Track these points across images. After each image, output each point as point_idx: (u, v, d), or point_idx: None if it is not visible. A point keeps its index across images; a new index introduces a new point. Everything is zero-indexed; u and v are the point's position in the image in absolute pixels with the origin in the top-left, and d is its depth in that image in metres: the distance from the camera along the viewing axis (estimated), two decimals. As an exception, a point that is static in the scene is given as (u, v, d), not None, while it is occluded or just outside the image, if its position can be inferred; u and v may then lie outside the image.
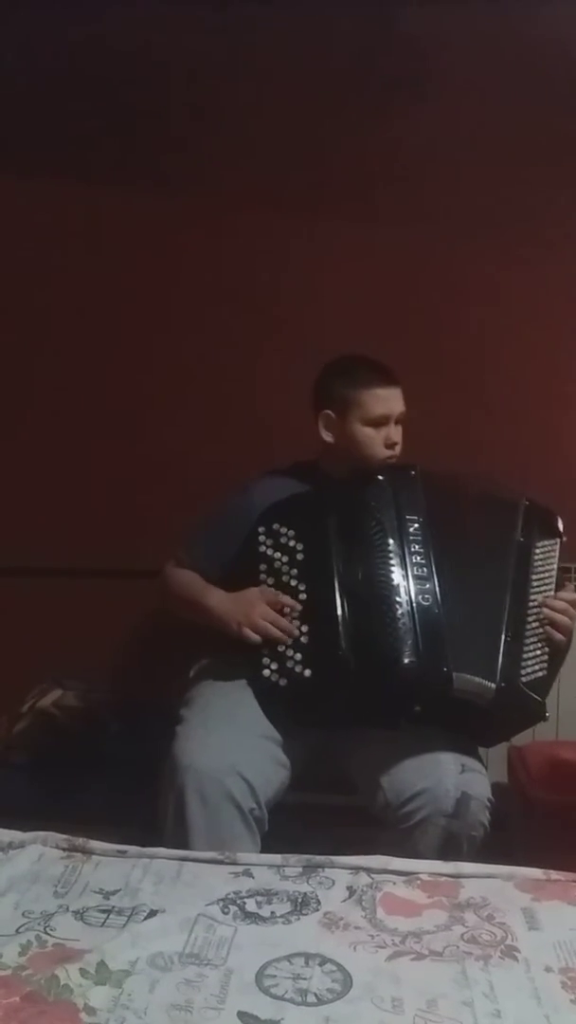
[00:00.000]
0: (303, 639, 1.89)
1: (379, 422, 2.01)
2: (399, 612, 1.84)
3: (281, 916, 1.33)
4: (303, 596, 1.92)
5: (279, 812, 1.82)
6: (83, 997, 1.12)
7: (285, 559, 1.96)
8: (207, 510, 2.12)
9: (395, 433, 2.03)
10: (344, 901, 1.37)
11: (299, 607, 1.91)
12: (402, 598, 1.86)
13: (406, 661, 1.80)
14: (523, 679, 1.86)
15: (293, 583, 1.94)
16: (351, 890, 1.40)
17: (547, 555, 2.00)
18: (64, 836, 1.53)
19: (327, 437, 2.06)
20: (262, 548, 1.97)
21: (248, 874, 1.45)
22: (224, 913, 1.32)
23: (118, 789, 2.18)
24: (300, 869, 1.46)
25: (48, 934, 1.26)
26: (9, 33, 2.54)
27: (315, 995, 1.14)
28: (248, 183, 2.58)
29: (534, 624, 1.92)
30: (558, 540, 2.02)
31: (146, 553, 2.23)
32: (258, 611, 1.90)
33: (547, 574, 1.98)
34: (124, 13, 2.50)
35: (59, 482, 2.65)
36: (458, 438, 2.49)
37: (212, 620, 1.96)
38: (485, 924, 1.31)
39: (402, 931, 1.29)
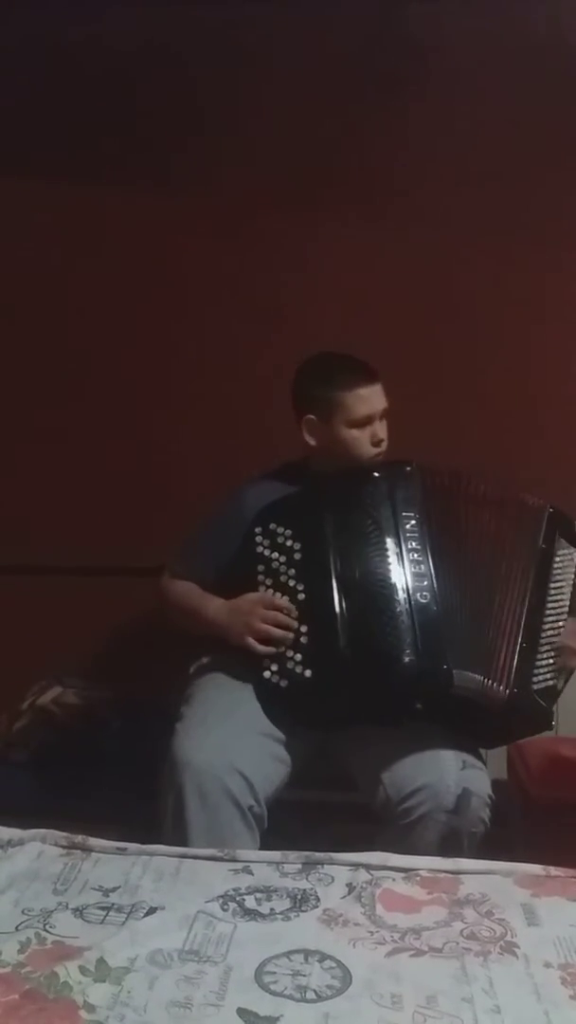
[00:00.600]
0: (303, 639, 1.88)
1: (364, 422, 2.00)
2: (398, 610, 1.83)
3: (280, 913, 1.33)
4: (302, 596, 1.91)
5: (279, 809, 1.82)
6: (83, 994, 1.12)
7: (283, 559, 1.95)
8: (201, 519, 2.11)
9: (380, 430, 2.02)
10: (343, 898, 1.37)
11: (295, 610, 1.90)
12: (400, 596, 1.85)
13: (406, 659, 1.80)
14: (535, 687, 1.85)
15: (292, 583, 1.93)
16: (350, 887, 1.40)
17: (566, 564, 1.99)
18: (63, 834, 1.53)
19: (312, 441, 2.04)
20: (259, 549, 1.97)
21: (247, 871, 1.45)
22: (223, 910, 1.32)
23: (118, 787, 2.17)
24: (299, 866, 1.46)
25: (48, 931, 1.26)
26: (9, 33, 2.54)
27: (314, 992, 1.14)
28: (249, 183, 2.58)
29: (549, 632, 1.90)
30: None
31: (147, 551, 2.24)
32: (257, 616, 1.90)
33: (565, 582, 1.97)
34: (125, 12, 2.50)
35: (60, 480, 2.65)
36: (458, 437, 2.48)
37: (212, 630, 1.97)
38: (484, 920, 1.31)
39: (401, 927, 1.29)
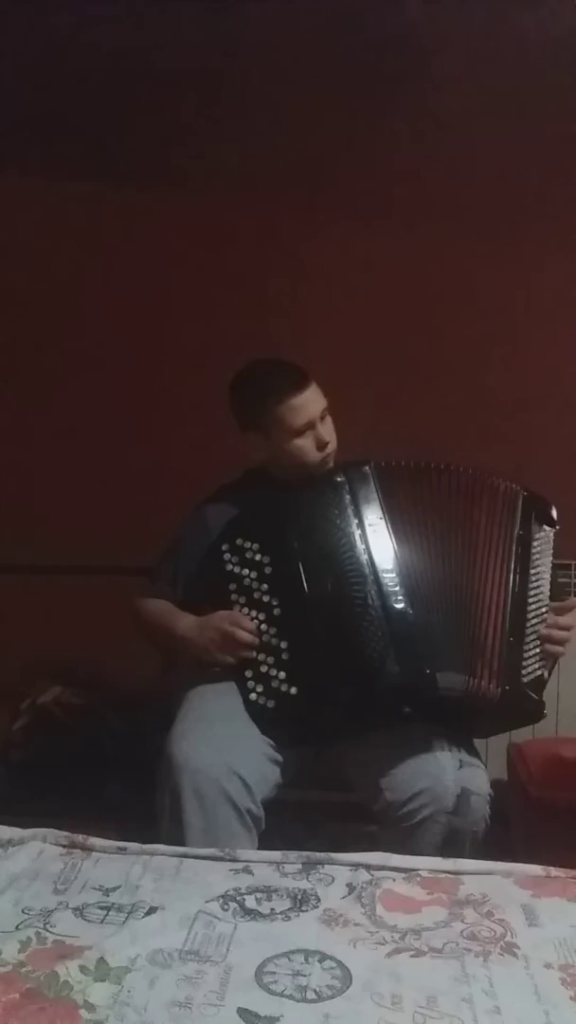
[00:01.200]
0: (283, 656, 1.86)
1: (303, 430, 1.95)
2: (372, 618, 1.80)
3: (281, 913, 1.33)
4: (277, 611, 1.88)
5: (278, 809, 1.82)
6: (83, 994, 1.12)
7: (254, 575, 1.91)
8: (167, 542, 2.08)
9: (325, 432, 1.97)
10: (344, 898, 1.37)
11: (260, 626, 1.87)
12: (374, 603, 1.81)
13: (387, 668, 1.77)
14: (524, 679, 1.84)
15: (265, 599, 1.89)
16: (351, 887, 1.40)
17: (543, 547, 1.95)
18: (64, 833, 1.53)
19: (259, 455, 2.01)
20: (229, 567, 1.93)
21: (248, 871, 1.44)
22: (224, 910, 1.32)
23: (118, 786, 2.18)
24: (300, 866, 1.46)
25: (48, 931, 1.26)
26: (9, 33, 2.53)
27: (315, 992, 1.14)
28: (250, 182, 2.59)
29: (534, 622, 1.88)
30: (553, 530, 1.97)
31: (147, 551, 2.23)
32: (223, 633, 1.87)
33: (544, 567, 1.94)
34: (124, 12, 2.50)
35: (61, 480, 2.65)
36: (458, 437, 2.48)
37: (181, 646, 1.95)
38: (485, 920, 1.31)
39: (402, 928, 1.29)
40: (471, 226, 2.55)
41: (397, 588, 1.83)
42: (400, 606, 1.81)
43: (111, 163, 2.62)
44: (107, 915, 1.31)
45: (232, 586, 1.92)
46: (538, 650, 1.87)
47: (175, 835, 1.71)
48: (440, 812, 1.73)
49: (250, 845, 1.72)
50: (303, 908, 1.34)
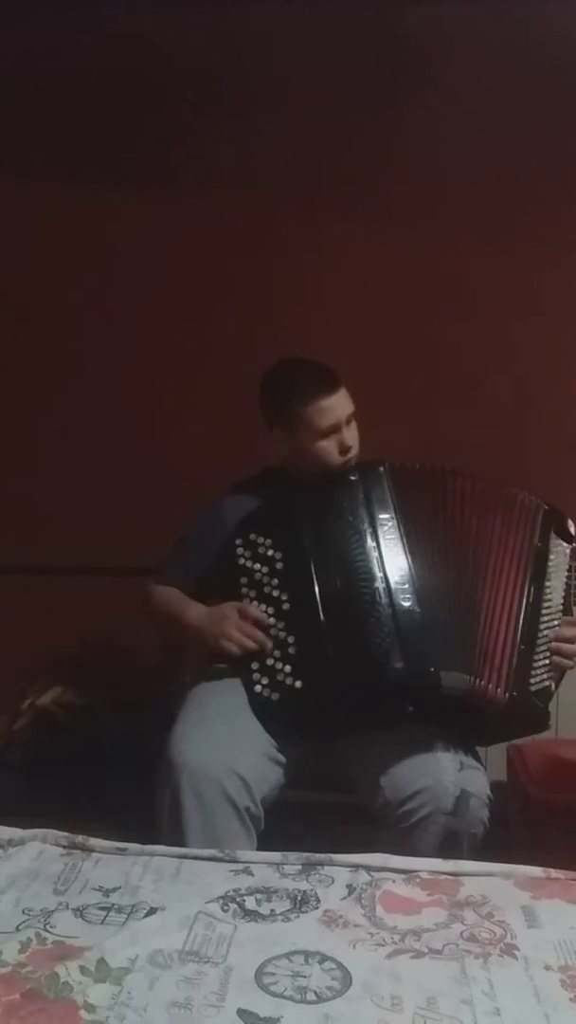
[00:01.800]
0: (290, 650, 1.87)
1: (329, 432, 1.97)
2: (380, 615, 1.81)
3: (280, 914, 1.33)
4: (286, 606, 1.90)
5: (278, 810, 1.82)
6: (83, 994, 1.12)
7: (265, 569, 1.94)
8: (181, 529, 2.10)
9: (348, 436, 1.99)
10: (344, 899, 1.37)
11: (268, 619, 1.89)
12: (382, 600, 1.83)
13: (392, 665, 1.78)
14: (531, 688, 1.85)
15: (275, 593, 1.92)
16: (351, 888, 1.40)
17: (559, 561, 1.97)
18: (64, 834, 1.53)
19: (282, 451, 2.03)
20: (241, 560, 1.95)
21: (247, 872, 1.44)
22: (224, 911, 1.32)
23: (118, 787, 2.17)
24: (299, 867, 1.46)
25: (48, 931, 1.26)
26: (9, 33, 2.54)
27: (315, 993, 1.14)
28: (249, 183, 2.58)
29: (545, 633, 1.89)
30: (570, 545, 1.99)
31: (147, 551, 2.23)
32: (231, 623, 1.89)
33: (558, 580, 1.95)
34: (125, 13, 2.50)
35: (61, 481, 2.65)
36: (457, 437, 2.48)
37: (190, 635, 1.96)
38: (485, 922, 1.31)
39: (401, 929, 1.29)
40: (471, 226, 2.55)
41: (406, 587, 1.84)
42: (407, 604, 1.82)
43: (111, 163, 2.62)
44: (107, 916, 1.31)
45: (243, 579, 1.95)
46: (547, 661, 1.88)
47: (175, 834, 1.71)
48: (439, 813, 1.73)
49: (249, 845, 1.73)
50: (303, 909, 1.34)
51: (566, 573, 1.98)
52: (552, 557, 1.95)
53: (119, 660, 2.64)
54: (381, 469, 1.97)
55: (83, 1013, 1.09)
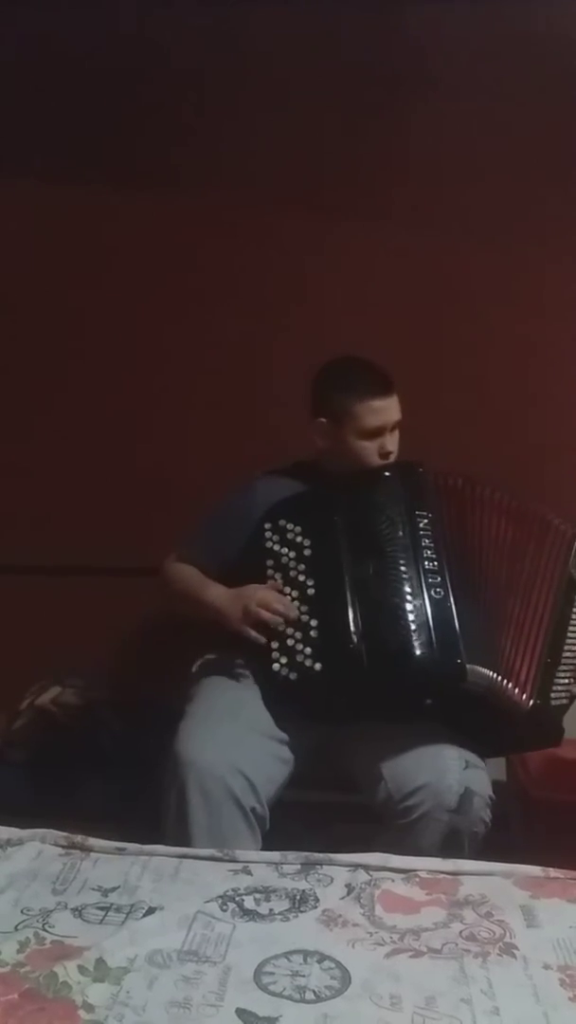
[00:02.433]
0: (312, 633, 1.89)
1: (374, 434, 2.01)
2: (411, 605, 1.84)
3: (279, 913, 1.33)
4: (311, 591, 1.92)
5: (278, 809, 1.82)
6: (82, 994, 1.12)
7: (292, 555, 1.96)
8: (210, 507, 2.11)
9: (390, 442, 2.03)
10: (343, 898, 1.37)
11: (292, 603, 1.90)
12: (414, 591, 1.85)
13: (418, 652, 1.80)
14: (552, 702, 1.86)
15: (301, 578, 1.94)
16: (350, 887, 1.40)
17: None
18: (63, 833, 1.53)
19: (321, 443, 2.06)
20: (268, 544, 1.98)
21: (246, 871, 1.45)
22: (223, 910, 1.32)
23: (117, 786, 2.18)
24: (298, 866, 1.46)
25: (47, 931, 1.26)
26: (9, 33, 2.54)
27: (313, 992, 1.14)
28: (251, 184, 2.58)
29: (569, 655, 1.91)
30: None
31: (147, 551, 2.23)
32: (256, 601, 1.90)
33: None
34: (125, 12, 2.50)
35: (60, 480, 2.64)
36: (458, 437, 2.48)
37: (211, 615, 1.97)
38: (484, 921, 1.31)
39: (401, 928, 1.29)
40: (472, 226, 2.55)
41: (439, 580, 1.87)
42: (439, 596, 1.85)
43: (111, 163, 2.61)
44: (106, 915, 1.31)
45: (269, 562, 1.97)
46: (567, 680, 1.90)
47: (179, 833, 1.72)
48: (440, 809, 1.73)
49: (254, 844, 1.73)
50: (302, 909, 1.34)
51: None
52: None
53: (118, 660, 2.64)
54: (421, 469, 2.02)
55: (82, 1013, 1.09)
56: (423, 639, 1.81)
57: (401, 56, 2.51)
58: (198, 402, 2.64)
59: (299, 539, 1.97)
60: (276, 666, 1.89)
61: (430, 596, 1.85)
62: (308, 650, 1.88)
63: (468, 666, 1.79)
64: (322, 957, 1.22)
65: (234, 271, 2.62)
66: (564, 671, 1.90)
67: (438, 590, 1.86)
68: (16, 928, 1.27)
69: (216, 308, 2.63)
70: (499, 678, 1.81)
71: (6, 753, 2.39)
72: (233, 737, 1.81)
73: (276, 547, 1.98)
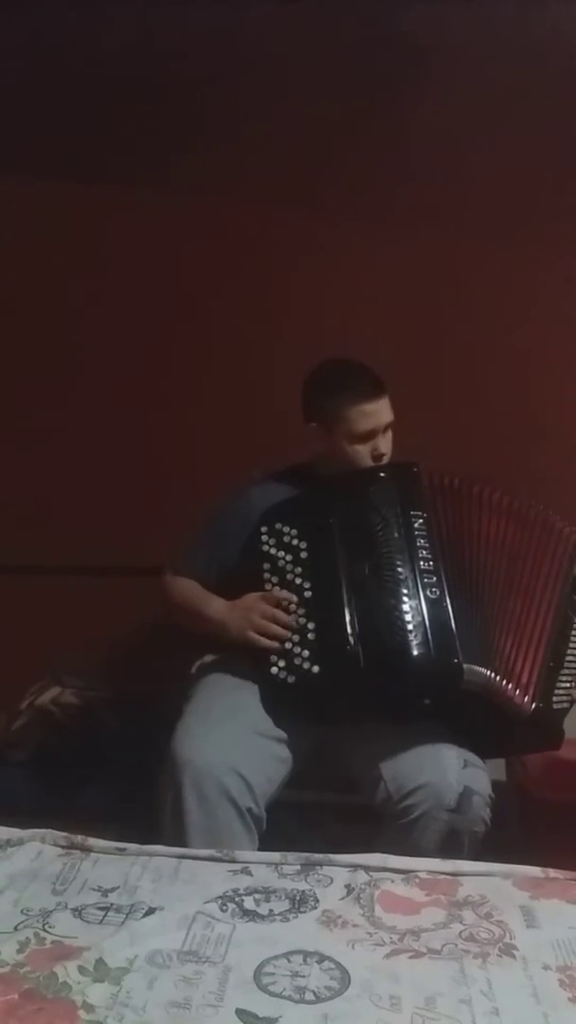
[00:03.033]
0: (310, 635, 1.89)
1: (366, 437, 2.00)
2: (407, 606, 1.84)
3: (279, 914, 1.33)
4: (308, 594, 1.92)
5: (277, 810, 1.82)
6: (81, 994, 1.12)
7: (289, 557, 1.96)
8: (205, 515, 2.11)
9: (383, 444, 2.02)
10: (342, 899, 1.37)
11: (295, 599, 1.91)
12: (410, 591, 1.85)
13: (415, 653, 1.79)
14: (554, 705, 1.87)
15: (298, 581, 1.94)
16: (349, 888, 1.40)
17: None
18: (63, 834, 1.53)
19: (315, 447, 2.06)
20: (265, 547, 1.98)
21: (246, 872, 1.45)
22: (222, 911, 1.32)
23: (117, 787, 2.18)
24: (298, 867, 1.46)
25: (47, 931, 1.26)
26: (9, 32, 2.53)
27: (313, 993, 1.14)
28: (250, 183, 2.58)
29: (570, 659, 1.92)
30: None
31: (146, 551, 2.23)
32: (258, 611, 1.90)
33: None
34: (124, 12, 2.50)
35: (60, 479, 2.65)
36: (457, 438, 2.48)
37: (214, 629, 1.97)
38: (483, 922, 1.31)
39: (400, 929, 1.29)
40: (471, 227, 2.55)
41: (434, 580, 1.87)
42: (435, 596, 1.85)
43: (111, 163, 2.61)
44: (106, 916, 1.31)
45: (266, 566, 1.97)
46: (569, 684, 1.91)
47: (176, 833, 1.72)
48: (440, 809, 1.73)
49: (250, 845, 1.73)
50: (302, 909, 1.34)
51: None
52: None
53: (118, 659, 2.65)
54: (416, 469, 2.01)
55: (82, 1013, 1.09)
56: (419, 639, 1.81)
57: (401, 56, 2.50)
58: (198, 401, 2.64)
59: (295, 542, 1.97)
60: (274, 669, 1.89)
61: (426, 596, 1.85)
62: (306, 653, 1.88)
63: (465, 665, 1.79)
64: (322, 958, 1.22)
65: (234, 271, 2.62)
66: (566, 675, 1.90)
67: (434, 590, 1.85)
68: (16, 928, 1.27)
69: (216, 308, 2.63)
70: (498, 678, 1.81)
71: (6, 753, 2.39)
72: (230, 737, 1.81)
73: (273, 551, 1.97)
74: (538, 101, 2.50)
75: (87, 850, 1.50)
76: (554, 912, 1.34)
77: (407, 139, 2.54)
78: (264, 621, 1.89)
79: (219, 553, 2.05)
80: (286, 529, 1.98)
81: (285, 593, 1.92)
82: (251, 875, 1.44)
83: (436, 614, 1.83)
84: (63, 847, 1.51)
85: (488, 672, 1.81)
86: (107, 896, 1.36)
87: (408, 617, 1.83)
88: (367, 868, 1.45)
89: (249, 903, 1.35)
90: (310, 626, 1.89)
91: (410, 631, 1.81)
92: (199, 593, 2.04)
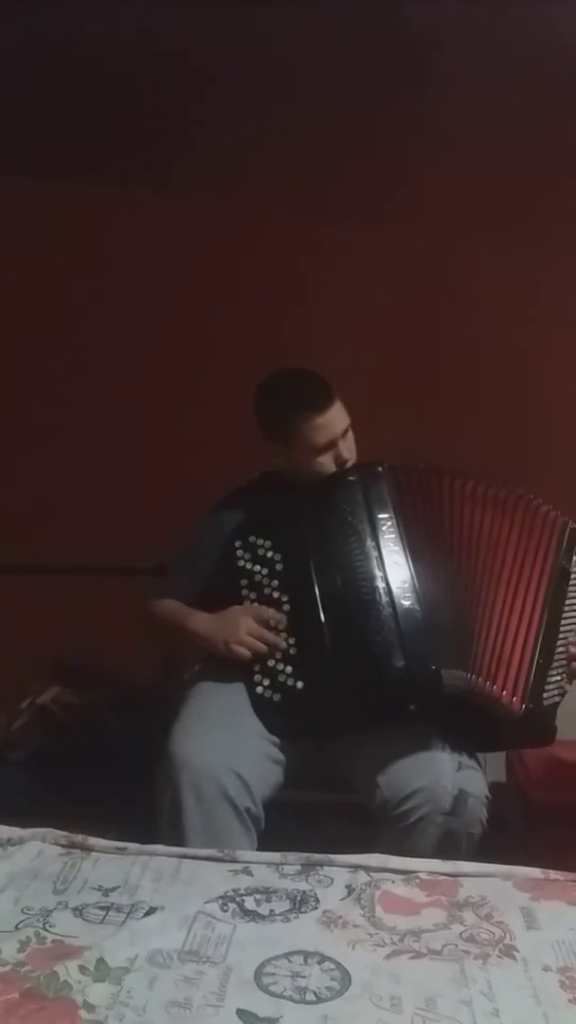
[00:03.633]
0: (291, 651, 1.88)
1: (326, 448, 1.97)
2: (381, 614, 1.82)
3: (280, 914, 1.33)
4: (287, 607, 1.91)
5: (277, 810, 1.82)
6: (82, 994, 1.12)
7: (265, 571, 1.94)
8: (182, 541, 2.09)
9: (345, 449, 1.99)
10: (343, 899, 1.37)
11: (284, 619, 1.90)
12: (383, 599, 1.83)
13: (393, 663, 1.79)
14: (545, 702, 1.85)
15: (276, 595, 1.92)
16: (350, 888, 1.40)
17: None
18: (63, 833, 1.53)
19: (278, 463, 2.03)
20: (240, 563, 1.96)
21: (247, 872, 1.45)
22: (223, 911, 1.32)
23: (117, 786, 2.18)
24: (299, 867, 1.46)
25: (47, 931, 1.26)
26: (8, 32, 2.53)
27: (314, 993, 1.14)
28: (250, 183, 2.58)
29: (561, 652, 1.90)
30: None
31: (147, 550, 2.23)
32: (243, 627, 1.89)
33: None
34: (124, 12, 2.50)
35: (60, 480, 2.65)
36: (459, 437, 2.48)
37: (198, 642, 1.96)
38: (484, 923, 1.31)
39: (401, 930, 1.29)
40: (471, 227, 2.55)
41: (406, 586, 1.85)
42: (408, 604, 1.83)
43: (111, 163, 2.61)
44: (106, 915, 1.31)
45: (243, 582, 1.95)
46: (559, 678, 1.89)
47: (174, 834, 1.71)
48: (436, 812, 1.73)
49: (249, 845, 1.73)
50: (302, 909, 1.34)
51: None
52: (574, 577, 1.95)
53: (118, 659, 2.64)
54: (380, 469, 1.98)
55: (82, 1012, 1.09)
56: (396, 650, 1.79)
57: (401, 55, 2.50)
58: (198, 402, 2.64)
59: (270, 554, 1.95)
60: (259, 689, 1.88)
61: (399, 604, 1.82)
62: (288, 669, 1.87)
63: (443, 671, 1.78)
64: (322, 958, 1.22)
65: (233, 271, 2.62)
66: (556, 668, 1.88)
67: (407, 595, 1.83)
68: (17, 927, 1.27)
69: (215, 308, 2.63)
70: (480, 679, 1.80)
71: (6, 752, 2.39)
72: (227, 738, 1.80)
73: (248, 565, 1.95)
74: (538, 101, 2.50)
75: (88, 849, 1.50)
76: (554, 913, 1.34)
77: (407, 139, 2.54)
78: (248, 637, 1.88)
79: (197, 573, 2.03)
80: (260, 541, 1.96)
81: (271, 611, 1.90)
82: (252, 875, 1.44)
83: (410, 621, 1.81)
84: (64, 846, 1.51)
85: (468, 675, 1.80)
86: (108, 895, 1.36)
87: (382, 627, 1.81)
88: (368, 869, 1.45)
89: (250, 903, 1.35)
90: (291, 641, 1.88)
91: (386, 641, 1.80)
92: (180, 609, 2.01)
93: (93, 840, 1.52)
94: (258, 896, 1.37)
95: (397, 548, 1.89)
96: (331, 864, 1.46)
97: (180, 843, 1.66)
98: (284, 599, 1.92)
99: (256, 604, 1.93)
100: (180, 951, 1.22)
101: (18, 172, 2.59)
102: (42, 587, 2.65)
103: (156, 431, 2.64)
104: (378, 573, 1.86)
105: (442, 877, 1.44)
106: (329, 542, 1.92)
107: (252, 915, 1.32)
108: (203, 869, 1.45)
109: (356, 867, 1.46)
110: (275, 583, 1.93)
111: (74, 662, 2.56)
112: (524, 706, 1.81)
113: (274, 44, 2.51)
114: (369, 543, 1.89)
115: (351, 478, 1.97)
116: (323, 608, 1.87)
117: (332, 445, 1.97)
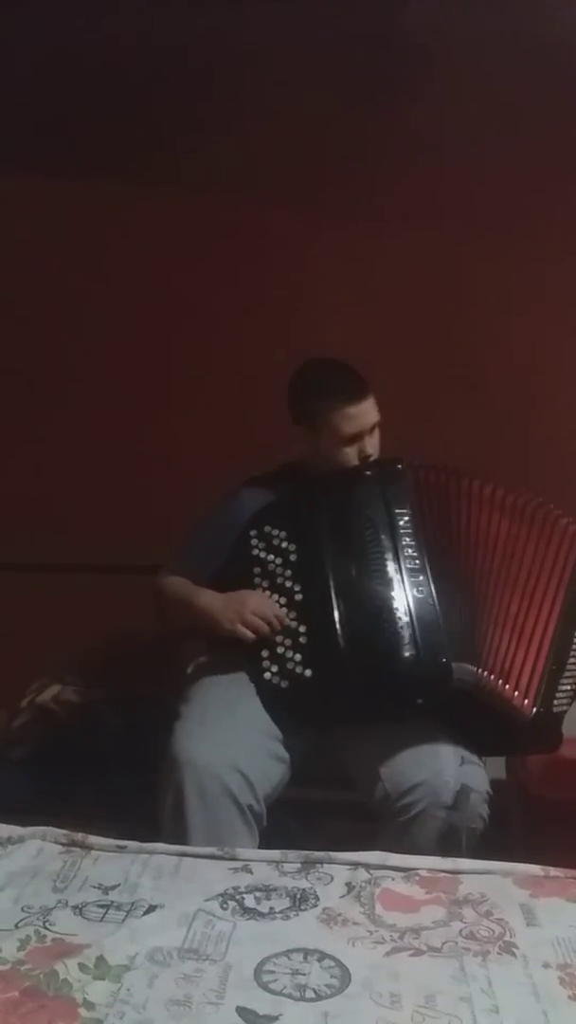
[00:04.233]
0: (301, 639, 1.89)
1: (352, 440, 2.00)
2: (395, 606, 1.84)
3: (280, 912, 1.33)
4: (299, 597, 1.92)
5: (277, 808, 1.82)
6: (82, 992, 1.12)
7: (279, 561, 1.96)
8: (197, 519, 2.11)
9: (369, 445, 2.02)
10: (343, 897, 1.37)
11: (285, 613, 1.90)
12: (396, 593, 1.85)
13: (404, 654, 1.80)
14: (554, 709, 1.86)
15: (288, 584, 1.94)
16: (349, 886, 1.40)
17: None
18: (63, 831, 1.53)
19: (303, 448, 2.06)
20: (255, 551, 1.98)
21: (247, 870, 1.45)
22: (223, 908, 1.32)
23: (117, 785, 2.18)
24: (299, 865, 1.46)
25: (47, 929, 1.26)
26: (9, 32, 2.53)
27: (314, 990, 1.14)
28: (250, 182, 2.58)
29: (573, 661, 1.90)
30: None
31: (147, 549, 2.23)
32: (249, 607, 1.90)
33: None
34: (125, 12, 2.50)
35: (60, 480, 2.65)
36: (459, 437, 2.48)
37: (204, 620, 1.96)
38: (484, 920, 1.31)
39: (400, 927, 1.29)
40: (472, 225, 2.55)
41: (421, 579, 1.86)
42: (422, 596, 1.84)
43: (111, 162, 2.61)
44: (106, 913, 1.31)
45: (256, 570, 1.97)
46: (569, 687, 1.89)
47: (177, 831, 1.71)
48: (438, 806, 1.73)
49: (251, 842, 1.73)
50: (302, 907, 1.34)
51: None
52: None
53: (118, 658, 2.65)
54: (400, 466, 2.00)
55: (82, 1011, 1.09)
56: (407, 640, 1.81)
57: (401, 55, 2.50)
58: (199, 400, 2.64)
59: (284, 544, 1.97)
60: (267, 675, 1.89)
61: (413, 596, 1.85)
62: (298, 657, 1.88)
63: (454, 664, 1.79)
64: (322, 955, 1.22)
65: (235, 270, 2.62)
66: (568, 677, 1.89)
67: (421, 589, 1.85)
68: (17, 926, 1.27)
69: (217, 307, 2.63)
70: (491, 676, 1.81)
71: (6, 750, 2.39)
72: (230, 735, 1.81)
73: (263, 554, 1.97)
74: (538, 101, 2.50)
75: (87, 848, 1.50)
76: (554, 910, 1.34)
77: (407, 139, 2.54)
78: (255, 618, 1.89)
79: (210, 556, 2.04)
80: (275, 532, 1.98)
81: (276, 607, 1.91)
82: (252, 873, 1.44)
83: (423, 613, 1.83)
84: (63, 845, 1.51)
85: (479, 670, 1.81)
86: (108, 894, 1.36)
87: (395, 617, 1.83)
88: (367, 866, 1.45)
89: (250, 901, 1.35)
90: (301, 629, 1.90)
91: (398, 632, 1.82)
92: (190, 587, 2.02)
93: (93, 838, 1.52)
94: (258, 894, 1.37)
95: (413, 544, 1.90)
96: (331, 862, 1.46)
97: (183, 840, 1.66)
98: (297, 588, 1.93)
99: (267, 592, 1.94)
100: (180, 949, 1.22)
101: (18, 172, 2.60)
102: (43, 585, 2.65)
103: (156, 431, 2.64)
104: (393, 566, 1.88)
105: (442, 874, 1.44)
106: (345, 534, 1.93)
107: (252, 913, 1.32)
108: (203, 867, 1.45)
109: (356, 864, 1.46)
110: (288, 572, 1.94)
111: (75, 660, 2.56)
112: (535, 709, 1.81)
113: (274, 44, 2.51)
114: (385, 537, 1.91)
115: (370, 472, 1.99)
116: (336, 598, 1.88)
117: (359, 438, 2.00)
